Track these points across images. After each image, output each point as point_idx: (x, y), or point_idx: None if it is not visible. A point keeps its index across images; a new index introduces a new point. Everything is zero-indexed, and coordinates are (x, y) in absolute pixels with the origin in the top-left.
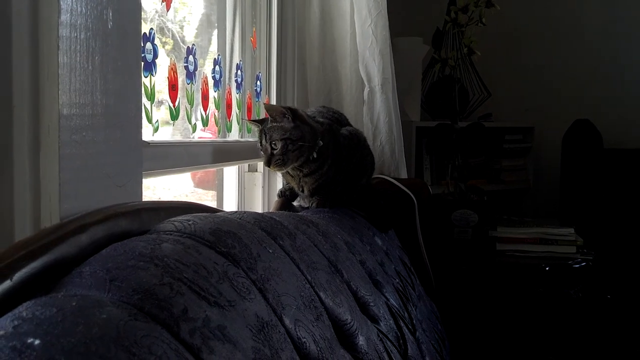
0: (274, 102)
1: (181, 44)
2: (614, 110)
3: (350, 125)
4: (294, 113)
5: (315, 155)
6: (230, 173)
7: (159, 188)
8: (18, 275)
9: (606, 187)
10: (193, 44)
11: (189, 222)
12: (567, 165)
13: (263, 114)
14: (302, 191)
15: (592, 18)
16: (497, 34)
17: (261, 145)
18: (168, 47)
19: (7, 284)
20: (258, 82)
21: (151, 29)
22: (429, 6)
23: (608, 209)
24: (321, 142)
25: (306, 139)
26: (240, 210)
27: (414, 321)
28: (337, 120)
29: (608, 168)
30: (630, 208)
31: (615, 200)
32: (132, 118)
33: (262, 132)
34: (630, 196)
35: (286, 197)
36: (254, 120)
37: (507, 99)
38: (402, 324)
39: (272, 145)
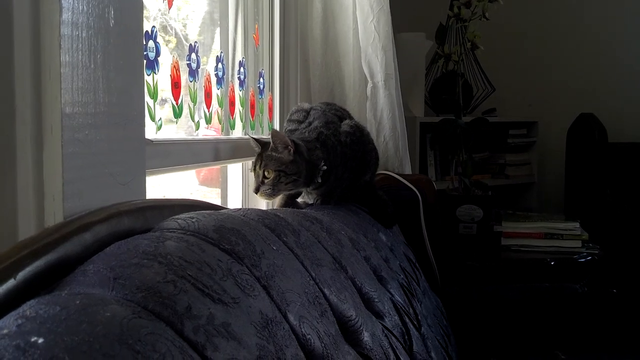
0: (277, 99)
1: (184, 41)
2: (618, 104)
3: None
4: (297, 147)
5: (319, 180)
6: (235, 170)
7: (164, 186)
8: (22, 274)
9: (611, 181)
10: (195, 42)
11: (193, 220)
12: (572, 160)
13: (266, 111)
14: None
15: (597, 11)
16: (500, 29)
17: (254, 169)
18: (171, 45)
19: (11, 282)
20: (261, 79)
21: (153, 26)
22: (432, 1)
23: (613, 203)
24: (325, 167)
25: (302, 174)
26: (244, 207)
27: (419, 317)
28: (340, 117)
29: (613, 162)
30: (636, 202)
31: (620, 194)
32: (135, 116)
33: (259, 157)
34: (636, 190)
35: (290, 194)
36: (256, 139)
37: (511, 94)
38: (407, 320)
39: (265, 173)
